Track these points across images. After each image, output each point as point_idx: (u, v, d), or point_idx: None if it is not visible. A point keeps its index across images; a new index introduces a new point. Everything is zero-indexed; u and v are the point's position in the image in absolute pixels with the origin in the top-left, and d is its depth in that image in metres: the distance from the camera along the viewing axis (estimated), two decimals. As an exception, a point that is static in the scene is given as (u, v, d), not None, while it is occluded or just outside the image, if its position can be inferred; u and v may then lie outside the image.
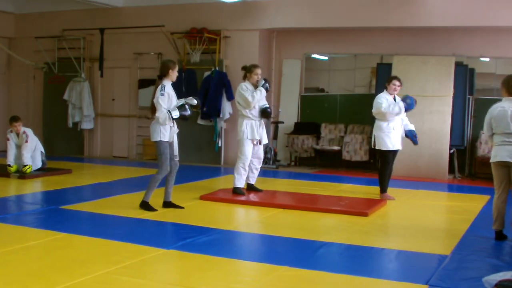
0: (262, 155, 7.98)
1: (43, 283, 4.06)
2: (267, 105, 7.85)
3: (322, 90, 12.05)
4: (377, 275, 4.48)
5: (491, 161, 5.73)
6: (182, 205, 6.99)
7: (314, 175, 10.44)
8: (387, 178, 7.98)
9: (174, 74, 6.70)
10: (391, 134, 7.78)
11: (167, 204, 6.94)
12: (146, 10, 12.20)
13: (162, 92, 6.53)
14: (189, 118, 6.81)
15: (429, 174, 10.10)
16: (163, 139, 6.59)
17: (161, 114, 6.49)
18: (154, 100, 6.55)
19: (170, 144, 6.72)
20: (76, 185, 8.73)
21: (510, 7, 9.71)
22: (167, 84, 6.63)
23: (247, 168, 7.77)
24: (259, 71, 7.71)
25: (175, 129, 6.76)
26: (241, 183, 7.75)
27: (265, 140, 7.89)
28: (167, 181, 6.90)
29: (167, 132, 6.61)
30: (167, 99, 6.55)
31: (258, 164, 7.95)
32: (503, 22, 9.83)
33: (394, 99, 7.86)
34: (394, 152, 7.94)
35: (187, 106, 6.67)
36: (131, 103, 12.70)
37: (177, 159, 6.94)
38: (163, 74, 6.68)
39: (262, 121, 7.86)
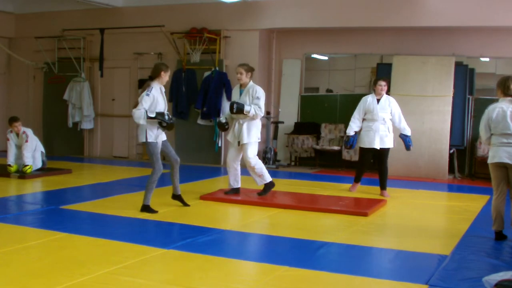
0: (246, 157, 7.49)
1: (43, 283, 4.06)
2: (234, 101, 7.49)
3: (331, 91, 11.99)
4: (377, 275, 4.48)
5: (488, 162, 5.73)
6: (188, 204, 7.11)
7: (314, 175, 10.44)
8: (359, 172, 8.48)
9: (165, 77, 6.72)
10: (369, 133, 8.16)
11: (176, 197, 7.11)
12: (146, 10, 12.20)
13: (148, 92, 6.57)
14: (169, 127, 6.69)
15: (429, 174, 10.11)
16: (149, 140, 6.64)
17: (137, 111, 6.52)
18: (139, 98, 6.61)
19: (160, 143, 6.76)
20: (76, 185, 8.73)
21: (510, 7, 9.71)
22: (156, 86, 6.66)
23: (228, 168, 7.72)
24: (237, 69, 7.56)
25: (161, 131, 6.75)
26: (230, 184, 7.78)
27: (243, 140, 7.46)
28: (172, 176, 7.01)
29: (153, 133, 6.64)
30: (151, 101, 6.57)
31: (248, 168, 7.64)
32: (503, 22, 9.83)
33: (378, 101, 8.15)
34: (372, 150, 8.21)
35: (166, 115, 6.65)
36: (131, 103, 12.60)
37: (176, 156, 6.95)
38: (154, 76, 6.71)
39: (244, 120, 7.47)
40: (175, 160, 6.94)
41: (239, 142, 7.56)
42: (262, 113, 7.51)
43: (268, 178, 7.63)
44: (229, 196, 7.66)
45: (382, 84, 8.20)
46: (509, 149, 5.53)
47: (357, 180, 8.52)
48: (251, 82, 7.59)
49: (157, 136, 6.69)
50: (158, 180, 6.79)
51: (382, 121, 8.12)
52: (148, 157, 6.93)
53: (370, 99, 8.23)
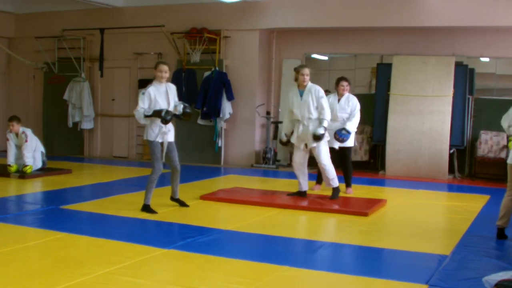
0: (320, 162, 7.47)
1: (43, 283, 4.06)
2: (318, 133, 7.38)
3: (328, 91, 11.99)
4: (377, 275, 4.47)
5: (507, 162, 5.72)
6: (187, 204, 7.09)
7: (314, 175, 10.39)
8: (345, 173, 8.33)
9: (158, 74, 6.60)
10: (330, 132, 8.02)
11: (174, 200, 7.09)
12: (146, 10, 12.20)
13: (143, 91, 6.57)
14: (167, 121, 6.57)
15: (429, 174, 10.10)
16: (149, 138, 6.62)
17: (136, 112, 6.57)
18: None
19: (162, 144, 6.67)
20: (76, 185, 8.73)
21: (510, 7, 9.71)
22: (156, 85, 6.61)
23: (297, 172, 7.65)
24: (304, 70, 7.49)
25: (166, 130, 6.66)
26: (300, 187, 7.70)
27: (312, 143, 7.38)
28: (172, 180, 6.97)
29: (154, 132, 6.60)
30: (147, 99, 6.53)
31: (321, 169, 7.58)
32: (503, 22, 9.82)
33: (338, 101, 8.18)
34: (333, 149, 8.06)
35: (165, 111, 6.52)
36: (131, 103, 12.67)
37: (176, 163, 6.84)
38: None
39: (310, 121, 7.42)
40: (174, 167, 6.87)
41: (306, 145, 7.50)
42: (329, 114, 7.43)
43: (337, 183, 7.59)
44: (229, 196, 7.66)
45: (344, 84, 8.23)
46: None
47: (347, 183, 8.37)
48: (310, 82, 7.55)
49: (158, 136, 6.62)
50: (158, 180, 6.77)
51: (341, 121, 8.16)
52: (149, 157, 6.92)
53: (332, 99, 8.20)
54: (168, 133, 6.70)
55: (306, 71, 7.49)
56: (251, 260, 4.83)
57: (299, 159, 7.63)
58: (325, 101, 7.43)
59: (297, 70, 7.53)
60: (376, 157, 11.00)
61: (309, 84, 7.51)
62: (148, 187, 6.70)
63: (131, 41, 12.42)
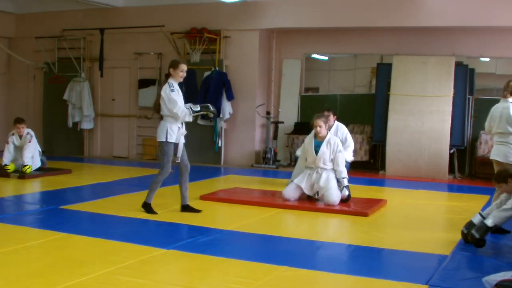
0: (331, 200, 7.02)
1: (43, 283, 4.06)
2: (347, 196, 7.19)
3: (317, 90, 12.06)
4: (377, 275, 4.47)
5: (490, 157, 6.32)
6: (198, 210, 6.79)
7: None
8: None
9: (176, 74, 6.37)
10: None
11: (185, 208, 6.75)
12: (146, 10, 12.20)
13: (172, 88, 6.31)
14: (213, 116, 6.64)
15: (429, 174, 10.10)
16: (170, 140, 6.41)
17: (179, 110, 6.25)
18: (165, 97, 6.29)
19: (176, 145, 6.52)
20: (76, 185, 8.73)
21: (510, 7, 9.72)
22: (174, 83, 6.41)
23: (286, 198, 7.31)
24: (317, 122, 7.16)
25: (183, 131, 6.55)
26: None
27: (327, 189, 7.06)
28: (181, 184, 6.74)
29: (174, 134, 6.42)
30: (178, 95, 6.36)
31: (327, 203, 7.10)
32: (503, 22, 9.83)
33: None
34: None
35: (210, 105, 6.58)
36: (131, 103, 12.70)
37: (187, 161, 6.73)
38: (168, 74, 6.50)
39: (324, 169, 7.20)
40: (185, 166, 6.67)
41: (316, 192, 7.21)
42: (345, 171, 7.20)
43: None
44: (229, 196, 7.67)
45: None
46: (499, 147, 6.06)
47: None
48: (329, 134, 7.25)
49: (178, 138, 6.48)
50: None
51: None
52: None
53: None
54: (183, 135, 6.57)
55: (319, 122, 7.13)
56: (251, 260, 4.82)
57: (294, 194, 7.31)
58: (341, 156, 7.16)
59: (311, 121, 7.23)
60: (376, 157, 11.01)
61: (329, 135, 7.22)
62: (153, 187, 6.62)
63: (131, 41, 12.42)
